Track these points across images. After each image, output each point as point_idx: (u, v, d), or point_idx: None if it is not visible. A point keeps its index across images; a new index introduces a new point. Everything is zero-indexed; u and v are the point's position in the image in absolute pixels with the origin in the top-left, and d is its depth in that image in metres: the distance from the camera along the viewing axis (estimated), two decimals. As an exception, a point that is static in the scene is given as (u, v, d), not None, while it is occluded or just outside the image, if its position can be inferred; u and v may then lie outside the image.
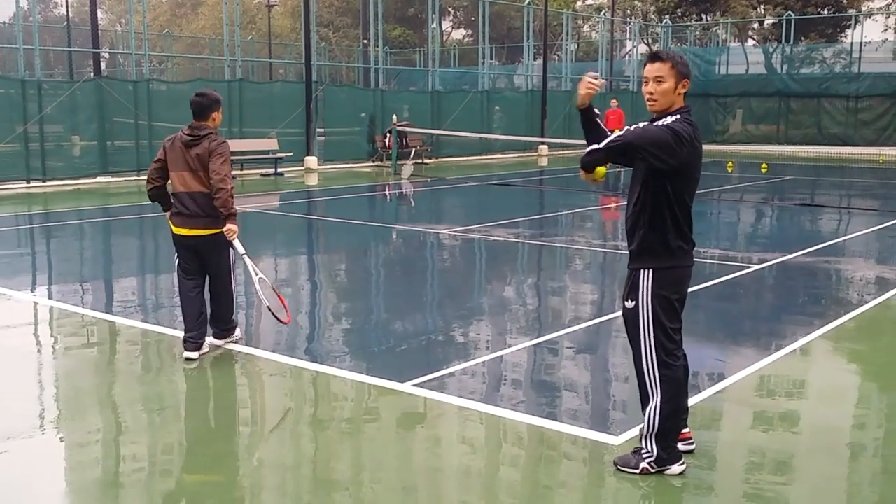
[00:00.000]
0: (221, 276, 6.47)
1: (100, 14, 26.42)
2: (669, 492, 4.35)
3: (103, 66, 27.69)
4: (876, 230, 13.47)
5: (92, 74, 22.10)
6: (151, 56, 26.39)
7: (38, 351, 6.90)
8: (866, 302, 8.50)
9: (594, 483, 4.50)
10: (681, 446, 4.61)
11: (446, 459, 4.77)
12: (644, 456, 4.48)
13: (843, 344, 7.18)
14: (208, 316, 6.54)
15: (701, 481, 4.47)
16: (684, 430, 4.68)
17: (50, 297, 8.65)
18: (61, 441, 5.02)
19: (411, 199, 18.67)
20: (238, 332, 6.80)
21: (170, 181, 6.37)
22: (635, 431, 5.00)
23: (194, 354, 6.35)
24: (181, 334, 6.78)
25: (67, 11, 37.82)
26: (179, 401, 5.73)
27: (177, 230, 6.32)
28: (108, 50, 41.02)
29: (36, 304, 8.38)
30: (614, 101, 26.68)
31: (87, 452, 4.83)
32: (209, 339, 6.51)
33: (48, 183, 18.87)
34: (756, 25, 45.83)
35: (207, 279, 6.52)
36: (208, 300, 6.54)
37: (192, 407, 5.67)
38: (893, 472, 4.61)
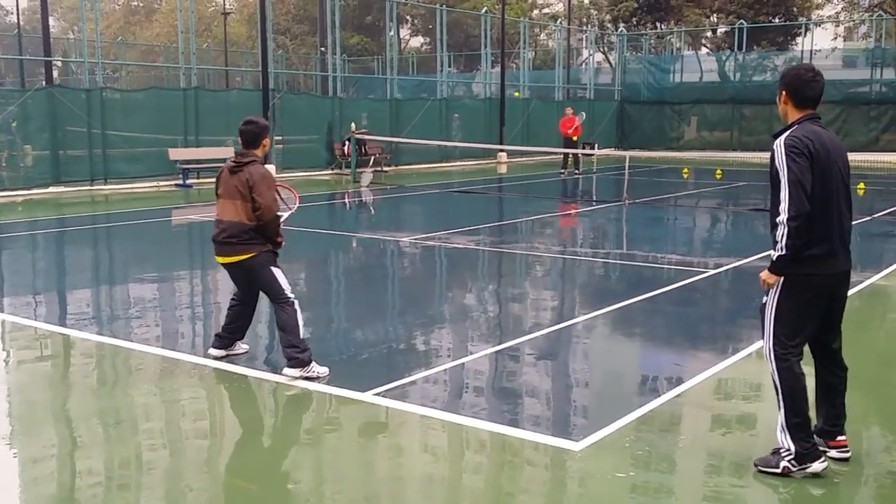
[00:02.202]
0: (273, 296, 6.23)
1: (52, 22, 26.03)
2: (629, 495, 4.38)
3: (55, 74, 27.24)
4: (828, 234, 13.71)
5: (44, 83, 21.72)
6: (105, 64, 26.04)
7: (-10, 365, 6.74)
8: (820, 305, 8.63)
9: (556, 489, 4.52)
10: (835, 454, 4.69)
11: (408, 468, 4.76)
12: (784, 455, 4.52)
13: (798, 346, 7.28)
14: (246, 327, 6.58)
15: (661, 484, 4.51)
16: (840, 438, 4.73)
17: (1, 311, 8.46)
18: (15, 457, 4.91)
19: (371, 207, 18.63)
20: (316, 368, 6.14)
21: None
22: (596, 437, 5.04)
23: (216, 352, 6.50)
24: (138, 346, 6.74)
25: (18, 19, 37.23)
26: (136, 414, 5.64)
27: (216, 257, 6.34)
28: (60, 58, 40.39)
29: (-13, 317, 8.20)
30: (569, 109, 26.90)
31: (41, 468, 4.73)
32: (286, 370, 6.14)
33: (-1, 193, 18.52)
34: (709, 34, 46.55)
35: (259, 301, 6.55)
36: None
37: (149, 420, 5.58)
38: (848, 473, 4.68)
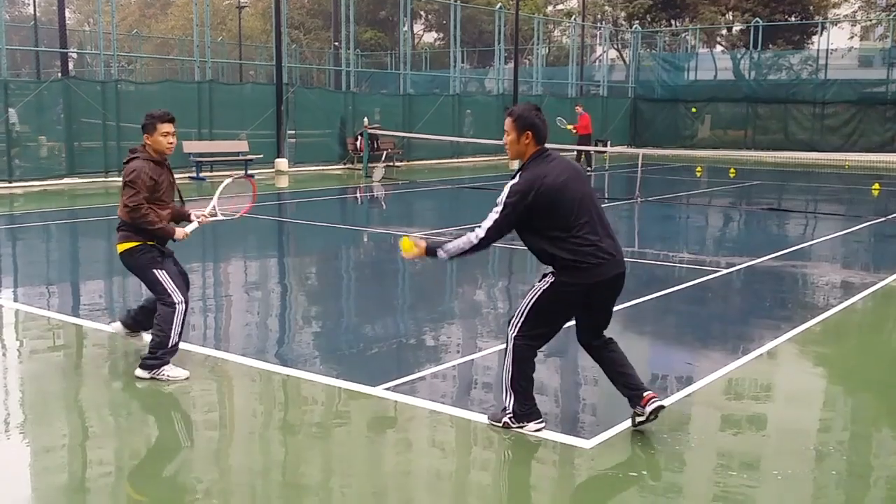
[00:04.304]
0: (152, 292, 6.12)
1: (67, 14, 26.13)
2: (639, 494, 4.38)
3: (71, 66, 27.37)
4: (842, 235, 13.66)
5: (59, 74, 21.83)
6: (120, 56, 26.13)
7: (3, 354, 6.79)
8: (832, 306, 8.61)
9: (565, 486, 4.52)
10: (649, 408, 4.96)
11: (417, 463, 4.77)
12: (507, 412, 5.05)
13: (810, 347, 7.27)
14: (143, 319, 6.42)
15: (671, 484, 4.51)
16: (646, 394, 4.99)
17: (15, 300, 8.52)
18: (27, 446, 4.95)
19: (382, 202, 18.65)
20: (169, 371, 6.00)
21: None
22: (607, 435, 5.04)
23: (113, 327, 6.55)
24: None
25: (35, 11, 37.35)
26: (147, 405, 5.67)
27: None
28: (76, 50, 40.55)
29: (1, 307, 8.25)
30: (579, 107, 26.84)
31: (53, 457, 4.77)
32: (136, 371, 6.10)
33: (14, 184, 18.62)
34: (724, 31, 46.31)
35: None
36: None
37: (161, 411, 5.61)
38: (859, 475, 4.67)
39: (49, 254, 11.82)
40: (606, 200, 18.83)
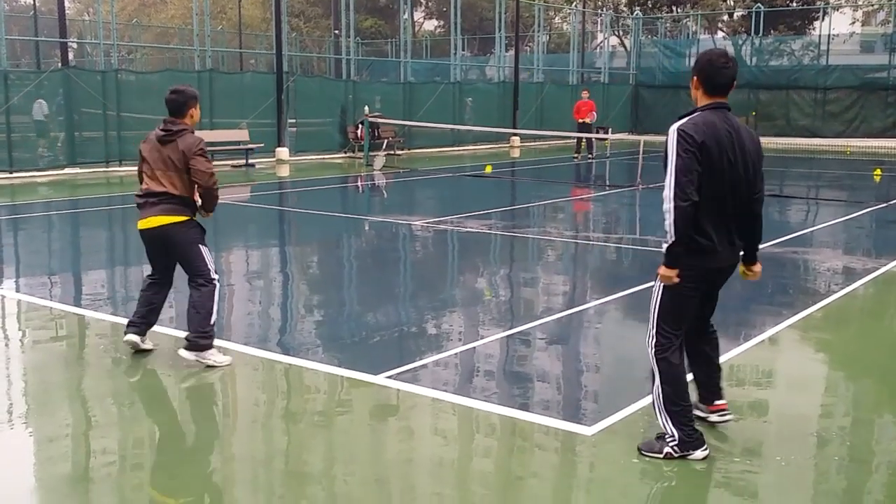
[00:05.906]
0: (189, 269, 6.09)
1: (67, 3, 26.07)
2: (641, 480, 4.39)
3: (71, 56, 27.30)
4: (843, 221, 13.64)
5: (59, 64, 21.78)
6: (120, 46, 26.08)
7: (6, 345, 6.80)
8: (834, 292, 8.61)
9: (567, 473, 4.53)
10: (715, 418, 4.83)
11: (419, 451, 4.78)
12: (668, 440, 4.54)
13: (811, 334, 7.27)
14: (160, 308, 6.35)
15: (673, 470, 4.51)
16: (718, 402, 4.83)
17: (17, 291, 8.53)
18: (30, 436, 4.96)
19: (383, 191, 18.63)
20: (215, 357, 6.03)
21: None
22: (609, 422, 5.05)
23: (133, 338, 6.22)
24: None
25: (34, 0, 37.25)
26: (150, 394, 5.69)
27: (140, 224, 6.11)
28: (75, 40, 40.44)
29: (3, 297, 8.27)
30: (585, 92, 26.79)
31: (56, 447, 4.78)
32: (180, 351, 6.05)
33: (15, 174, 18.61)
34: (726, 17, 46.13)
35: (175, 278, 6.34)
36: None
37: (163, 401, 5.62)
38: (860, 460, 4.68)
39: (51, 244, 11.83)
40: (608, 188, 18.82)
